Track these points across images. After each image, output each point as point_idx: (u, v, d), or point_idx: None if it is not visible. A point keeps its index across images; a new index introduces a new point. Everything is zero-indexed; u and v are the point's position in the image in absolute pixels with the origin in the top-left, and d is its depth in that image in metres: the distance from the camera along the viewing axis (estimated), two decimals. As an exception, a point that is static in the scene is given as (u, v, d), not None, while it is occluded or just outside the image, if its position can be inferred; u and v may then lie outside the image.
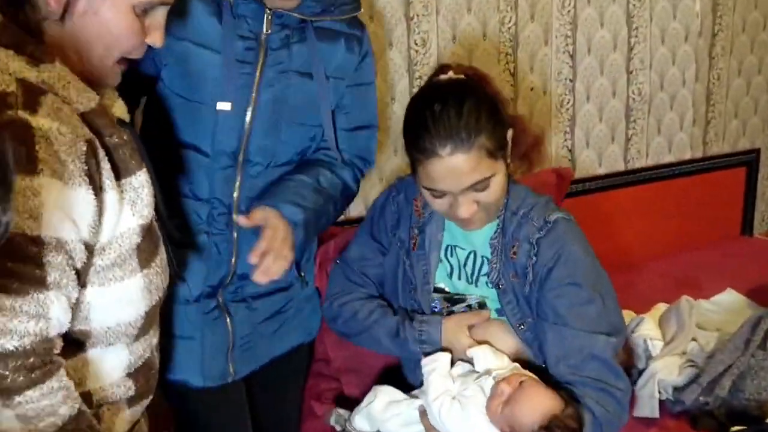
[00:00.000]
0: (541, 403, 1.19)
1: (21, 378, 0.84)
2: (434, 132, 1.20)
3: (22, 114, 0.82)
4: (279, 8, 1.27)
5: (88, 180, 0.86)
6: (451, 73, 1.30)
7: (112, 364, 0.99)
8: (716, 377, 1.54)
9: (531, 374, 1.26)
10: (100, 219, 0.89)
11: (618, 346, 1.27)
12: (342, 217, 2.02)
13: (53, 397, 0.87)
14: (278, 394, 1.58)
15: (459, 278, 1.38)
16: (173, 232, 1.13)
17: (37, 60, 0.88)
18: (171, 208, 1.18)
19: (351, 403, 1.49)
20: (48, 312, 0.84)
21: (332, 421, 1.46)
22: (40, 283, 0.83)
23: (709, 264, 2.47)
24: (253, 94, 1.30)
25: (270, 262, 1.22)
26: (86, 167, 0.86)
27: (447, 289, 1.39)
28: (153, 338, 1.05)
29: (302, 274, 1.48)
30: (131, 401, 1.02)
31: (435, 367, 1.29)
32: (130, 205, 0.94)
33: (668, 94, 2.56)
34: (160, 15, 0.99)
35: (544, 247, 1.27)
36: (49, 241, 0.83)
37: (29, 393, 0.85)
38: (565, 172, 2.01)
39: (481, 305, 1.35)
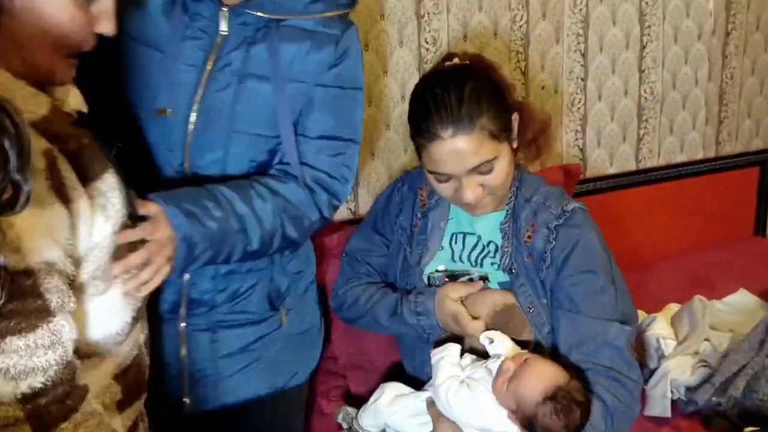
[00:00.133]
0: (545, 374, 1.18)
1: (56, 410, 0.82)
2: (436, 115, 1.21)
3: None
4: (229, 4, 1.17)
5: (55, 194, 0.82)
6: (456, 60, 1.31)
7: (98, 374, 0.93)
8: (730, 377, 1.53)
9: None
10: (74, 231, 0.85)
11: (631, 335, 1.27)
12: (351, 215, 2.03)
13: (87, 426, 0.85)
14: None
15: (461, 260, 1.38)
16: None
17: None
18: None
19: (358, 401, 1.49)
20: (62, 337, 0.82)
21: (340, 419, 1.45)
22: (46, 313, 0.80)
23: (722, 264, 2.45)
24: (197, 100, 1.17)
25: (147, 275, 0.99)
26: (49, 182, 0.81)
27: (449, 269, 1.39)
28: (141, 334, 1.00)
29: (279, 308, 1.33)
30: (121, 405, 0.96)
31: (444, 356, 1.29)
32: (101, 210, 0.89)
33: (681, 93, 2.54)
34: (108, 0, 0.90)
35: (562, 235, 1.27)
36: (39, 268, 0.80)
37: (63, 425, 0.83)
38: (574, 169, 2.01)
39: (483, 279, 1.35)
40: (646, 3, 2.37)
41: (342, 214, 2.01)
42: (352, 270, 1.51)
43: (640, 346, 1.68)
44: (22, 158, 0.70)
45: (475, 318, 1.30)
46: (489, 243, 1.35)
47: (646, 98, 2.47)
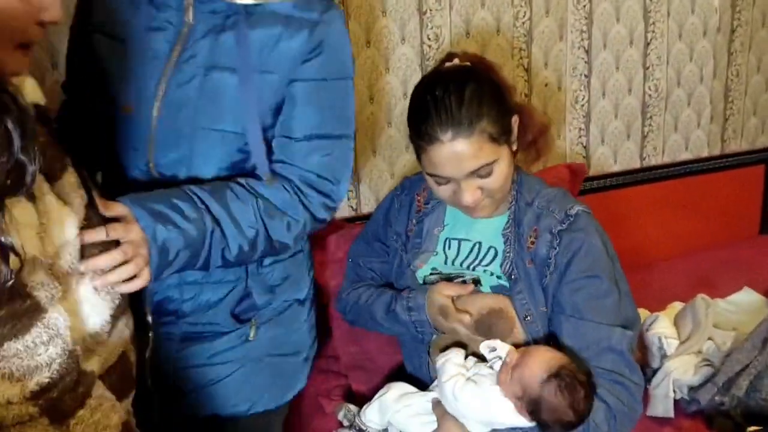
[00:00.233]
0: (547, 356, 1.20)
1: (69, 399, 0.82)
2: (435, 118, 1.20)
3: None
4: None
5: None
6: (456, 61, 1.30)
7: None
8: (733, 377, 1.51)
9: None
10: (44, 228, 0.83)
11: (633, 339, 1.26)
12: (352, 213, 2.02)
13: (102, 410, 0.85)
14: None
15: (453, 265, 1.37)
16: None
17: None
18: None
19: (359, 400, 1.48)
20: (59, 330, 0.81)
21: (340, 416, 1.45)
22: (37, 310, 0.79)
23: (727, 263, 2.43)
24: (160, 94, 1.10)
25: (114, 277, 0.92)
26: None
27: (442, 272, 1.38)
28: (126, 329, 0.97)
29: (248, 320, 1.23)
30: None
31: (449, 358, 1.28)
32: (70, 207, 0.86)
33: (685, 90, 2.52)
34: None
35: (566, 240, 1.26)
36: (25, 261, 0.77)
37: (81, 412, 0.83)
38: (579, 168, 1.99)
39: (476, 282, 1.34)
40: (651, 0, 2.36)
41: (343, 212, 2.01)
42: (356, 274, 1.52)
43: (641, 346, 1.67)
44: (26, 138, 0.70)
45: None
46: (489, 248, 1.34)
47: (650, 96, 2.45)
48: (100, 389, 0.87)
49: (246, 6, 1.11)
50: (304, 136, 1.15)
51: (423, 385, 1.39)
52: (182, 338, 1.22)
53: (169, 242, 1.03)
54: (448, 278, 1.36)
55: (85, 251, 0.89)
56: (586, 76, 2.32)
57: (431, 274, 1.38)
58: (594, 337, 1.22)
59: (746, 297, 2.04)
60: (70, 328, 0.83)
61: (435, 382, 1.33)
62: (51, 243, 0.83)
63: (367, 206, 2.02)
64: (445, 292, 1.31)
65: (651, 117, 2.48)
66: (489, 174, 1.23)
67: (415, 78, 2.03)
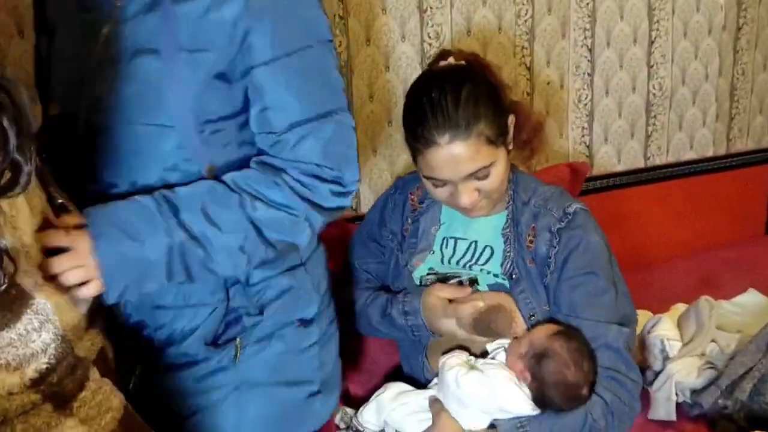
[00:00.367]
0: (554, 326, 1.23)
1: (70, 383, 0.82)
2: (432, 120, 1.19)
3: None
4: None
5: None
6: (451, 59, 1.29)
7: None
8: (736, 380, 1.49)
9: None
10: (14, 219, 0.81)
11: (630, 336, 1.26)
12: (352, 212, 2.01)
13: (103, 392, 0.85)
14: None
15: (449, 264, 1.36)
16: None
17: None
18: None
19: (357, 403, 1.47)
20: (48, 315, 0.81)
21: (337, 419, 1.44)
22: (25, 297, 0.79)
23: (732, 263, 2.40)
24: (85, 90, 0.98)
25: (66, 279, 0.87)
26: None
27: (439, 271, 1.37)
28: (101, 322, 0.96)
29: (226, 341, 1.08)
30: None
31: (453, 355, 1.28)
32: (27, 201, 0.84)
33: (690, 89, 2.49)
34: None
35: (564, 238, 1.26)
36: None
37: (82, 395, 0.83)
38: (581, 167, 1.98)
39: (472, 281, 1.33)
40: (655, -3, 2.33)
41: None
42: (351, 276, 1.50)
43: (641, 348, 1.65)
44: (22, 138, 0.69)
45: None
46: (485, 247, 1.32)
47: (654, 94, 2.43)
48: (96, 374, 0.87)
49: None
50: (286, 127, 1.00)
51: (420, 386, 1.38)
52: (162, 366, 1.09)
53: (126, 258, 0.92)
54: (444, 278, 1.35)
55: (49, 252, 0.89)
56: (589, 74, 2.29)
57: (428, 273, 1.37)
58: (591, 335, 1.22)
59: (751, 298, 2.01)
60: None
61: (433, 381, 1.32)
62: (25, 233, 0.83)
63: (367, 206, 2.00)
64: (440, 294, 1.29)
65: (655, 116, 2.45)
66: (486, 176, 1.22)
67: (416, 76, 2.01)
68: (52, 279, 0.87)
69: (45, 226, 0.88)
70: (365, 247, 1.49)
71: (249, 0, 0.96)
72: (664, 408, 1.55)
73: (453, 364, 1.24)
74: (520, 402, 1.19)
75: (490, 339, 1.28)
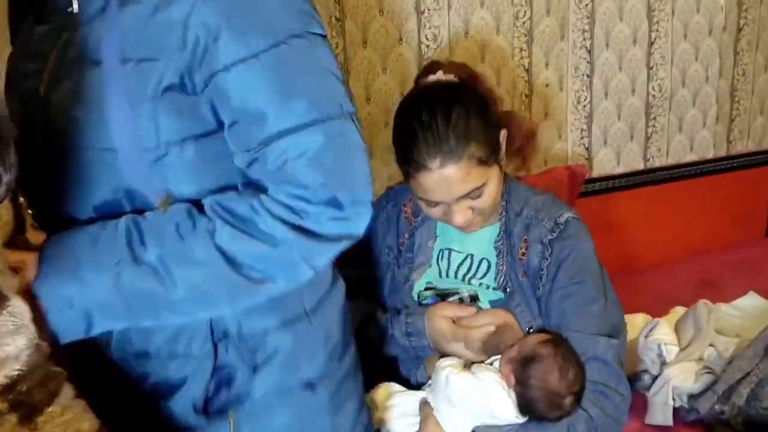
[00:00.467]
0: (547, 335, 1.22)
1: (39, 394, 0.79)
2: (422, 144, 1.17)
3: None
4: None
5: None
6: (440, 74, 1.26)
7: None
8: (733, 385, 1.48)
9: None
10: None
11: (620, 347, 1.25)
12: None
13: (73, 411, 0.81)
14: None
15: (448, 277, 1.35)
16: None
17: None
18: None
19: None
20: (23, 319, 0.78)
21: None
22: (1, 299, 0.76)
23: (733, 266, 2.39)
24: (36, 109, 0.86)
25: None
26: None
27: (438, 286, 1.36)
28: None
29: (216, 410, 0.90)
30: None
31: (449, 358, 1.28)
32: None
33: (690, 90, 2.48)
34: None
35: (556, 249, 1.25)
36: None
37: (50, 409, 0.80)
38: (579, 170, 1.97)
39: (473, 298, 1.32)
40: (655, -2, 2.32)
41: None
42: None
43: (632, 354, 1.64)
44: (1, 146, 0.67)
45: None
46: (482, 260, 1.32)
47: (654, 96, 2.41)
48: (70, 392, 0.83)
49: None
50: (261, 140, 0.82)
51: (414, 387, 1.37)
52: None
53: (72, 297, 0.81)
54: (443, 295, 1.34)
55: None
56: (588, 76, 2.28)
57: (426, 288, 1.36)
58: (579, 348, 1.21)
59: (751, 302, 1.99)
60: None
61: (428, 382, 1.32)
62: None
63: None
64: (444, 314, 1.28)
65: (655, 117, 2.44)
66: (480, 195, 1.21)
67: (413, 77, 2.01)
68: None
69: (8, 241, 0.85)
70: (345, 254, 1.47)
71: None
72: (661, 413, 1.54)
73: (446, 364, 1.24)
74: (506, 406, 1.18)
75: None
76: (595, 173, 2.36)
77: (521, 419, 1.19)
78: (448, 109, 1.18)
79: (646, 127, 2.43)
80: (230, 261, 0.82)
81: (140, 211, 0.85)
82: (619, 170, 2.42)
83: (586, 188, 2.27)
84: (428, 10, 1.99)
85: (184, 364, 0.91)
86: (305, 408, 0.95)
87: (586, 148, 2.35)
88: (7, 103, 0.96)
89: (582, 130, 2.32)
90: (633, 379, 1.67)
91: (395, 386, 1.36)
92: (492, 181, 1.22)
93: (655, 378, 1.60)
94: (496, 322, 1.27)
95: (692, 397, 1.53)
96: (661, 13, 2.34)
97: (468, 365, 1.25)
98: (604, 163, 2.39)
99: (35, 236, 0.87)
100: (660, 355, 1.62)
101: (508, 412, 1.18)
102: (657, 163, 2.48)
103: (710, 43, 2.47)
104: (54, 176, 0.86)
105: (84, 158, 0.83)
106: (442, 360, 1.27)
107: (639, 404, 1.61)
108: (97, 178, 0.84)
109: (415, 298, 1.36)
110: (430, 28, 2.00)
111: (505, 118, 1.29)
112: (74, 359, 0.85)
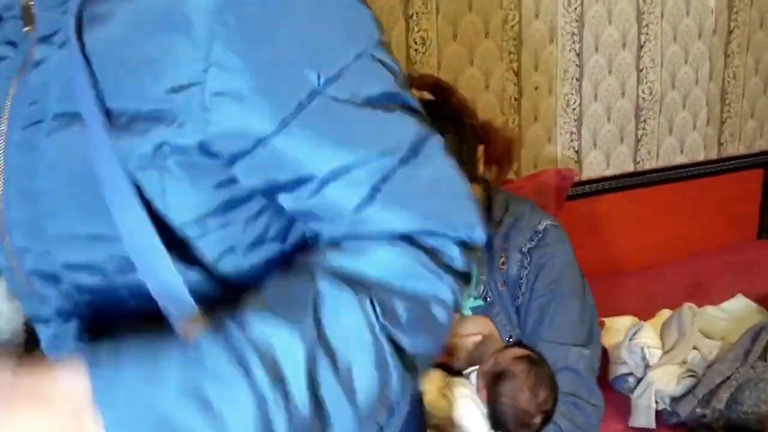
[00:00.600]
0: (526, 350, 1.22)
1: None
2: None
3: None
4: None
5: None
6: (413, 91, 1.25)
7: None
8: (714, 388, 1.48)
9: None
10: None
11: (593, 357, 1.25)
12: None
13: None
14: None
15: None
16: None
17: None
18: None
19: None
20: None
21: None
22: None
23: (724, 269, 2.39)
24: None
25: None
26: None
27: None
28: None
29: None
30: None
31: (431, 372, 1.26)
32: None
33: (680, 93, 2.49)
34: None
35: (535, 257, 1.26)
36: None
37: None
38: (567, 174, 1.97)
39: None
40: (644, 2, 2.33)
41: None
42: None
43: (618, 356, 1.64)
44: None
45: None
46: None
47: (644, 98, 2.42)
48: None
49: None
50: (357, 202, 0.55)
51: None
52: None
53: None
54: None
55: None
56: (577, 79, 2.29)
57: None
58: (552, 357, 1.22)
59: (738, 304, 2.00)
60: None
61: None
62: None
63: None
64: None
65: (645, 120, 2.45)
66: None
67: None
68: None
69: None
70: None
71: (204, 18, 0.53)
72: (644, 415, 1.55)
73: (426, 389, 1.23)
74: (475, 419, 1.18)
75: None
76: (585, 175, 2.37)
77: None
78: None
79: (636, 130, 2.44)
80: (396, 337, 0.54)
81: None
82: (609, 172, 2.43)
83: (576, 190, 2.28)
84: (416, 14, 2.00)
85: None
86: None
87: (576, 151, 2.36)
88: None
89: (572, 133, 2.33)
90: (618, 381, 1.68)
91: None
92: None
93: (639, 381, 1.61)
94: (483, 331, 1.27)
95: (674, 400, 1.53)
96: (650, 16, 2.35)
97: (446, 383, 1.25)
98: (594, 166, 2.40)
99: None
100: (643, 358, 1.63)
101: (476, 423, 1.19)
102: (647, 166, 2.49)
103: (700, 45, 2.47)
104: (36, 263, 0.62)
105: (58, 245, 0.60)
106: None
107: (624, 407, 1.62)
108: (86, 273, 0.60)
109: None
110: (418, 32, 2.01)
111: (483, 130, 1.29)
112: None
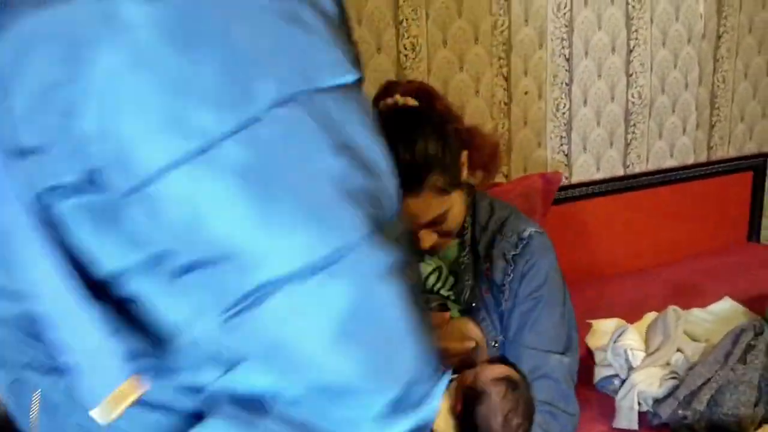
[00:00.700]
0: (510, 369, 1.18)
1: None
2: None
3: None
4: None
5: None
6: (397, 97, 1.25)
7: None
8: (695, 390, 1.50)
9: None
10: None
11: (571, 365, 1.26)
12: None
13: None
14: None
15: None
16: None
17: None
18: None
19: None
20: None
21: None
22: None
23: (714, 271, 2.41)
24: None
25: None
26: None
27: None
28: None
29: None
30: None
31: None
32: None
33: (670, 97, 2.51)
34: None
35: (519, 264, 1.27)
36: None
37: None
38: (553, 177, 1.99)
39: (443, 306, 1.34)
40: (633, 7, 2.35)
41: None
42: None
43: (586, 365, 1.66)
44: None
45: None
46: (449, 274, 1.33)
47: (633, 103, 2.44)
48: None
49: None
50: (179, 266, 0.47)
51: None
52: None
53: None
54: None
55: None
56: (567, 84, 2.31)
57: None
58: (530, 365, 1.22)
59: (724, 306, 2.02)
60: None
61: None
62: None
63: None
64: None
65: (634, 124, 2.47)
66: (444, 220, 1.22)
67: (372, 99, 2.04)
68: None
69: None
70: None
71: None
72: (626, 417, 1.57)
73: None
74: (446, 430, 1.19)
75: None
76: (575, 179, 2.39)
77: None
78: (407, 139, 1.16)
79: (625, 134, 2.47)
80: None
81: None
82: (599, 176, 2.45)
83: (566, 194, 2.30)
84: (406, 20, 2.02)
85: None
86: None
87: (566, 155, 2.38)
88: None
89: (561, 137, 2.36)
90: (603, 383, 1.70)
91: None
92: (455, 204, 1.23)
93: (623, 382, 1.63)
94: (475, 337, 1.28)
95: (656, 401, 1.55)
96: (639, 21, 2.38)
97: None
98: (584, 170, 2.42)
99: None
100: (627, 360, 1.65)
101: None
102: (637, 170, 2.51)
103: (689, 50, 2.50)
104: None
105: None
106: None
107: (609, 408, 1.64)
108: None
109: None
110: (408, 38, 2.04)
111: (468, 135, 1.29)
112: None
